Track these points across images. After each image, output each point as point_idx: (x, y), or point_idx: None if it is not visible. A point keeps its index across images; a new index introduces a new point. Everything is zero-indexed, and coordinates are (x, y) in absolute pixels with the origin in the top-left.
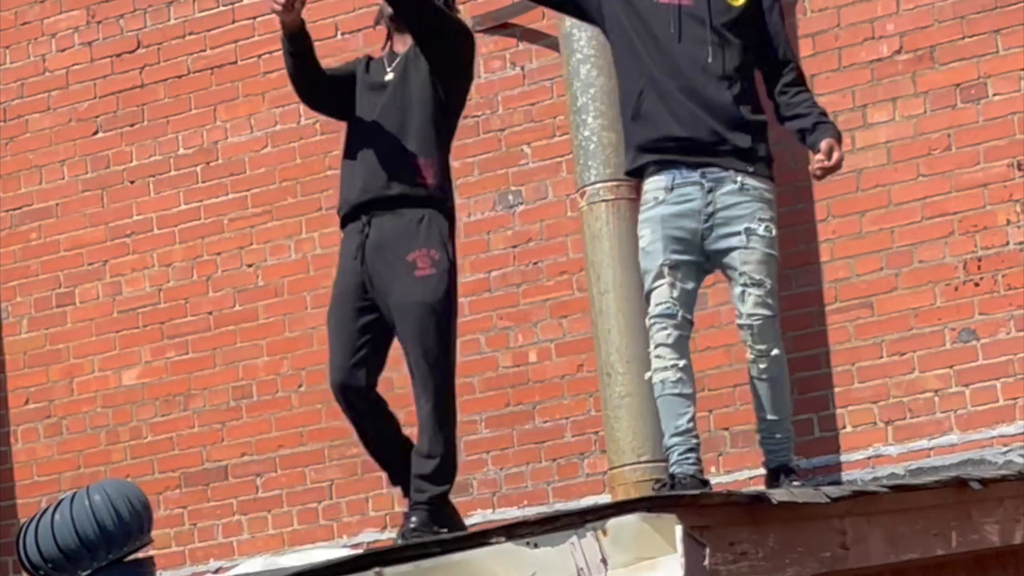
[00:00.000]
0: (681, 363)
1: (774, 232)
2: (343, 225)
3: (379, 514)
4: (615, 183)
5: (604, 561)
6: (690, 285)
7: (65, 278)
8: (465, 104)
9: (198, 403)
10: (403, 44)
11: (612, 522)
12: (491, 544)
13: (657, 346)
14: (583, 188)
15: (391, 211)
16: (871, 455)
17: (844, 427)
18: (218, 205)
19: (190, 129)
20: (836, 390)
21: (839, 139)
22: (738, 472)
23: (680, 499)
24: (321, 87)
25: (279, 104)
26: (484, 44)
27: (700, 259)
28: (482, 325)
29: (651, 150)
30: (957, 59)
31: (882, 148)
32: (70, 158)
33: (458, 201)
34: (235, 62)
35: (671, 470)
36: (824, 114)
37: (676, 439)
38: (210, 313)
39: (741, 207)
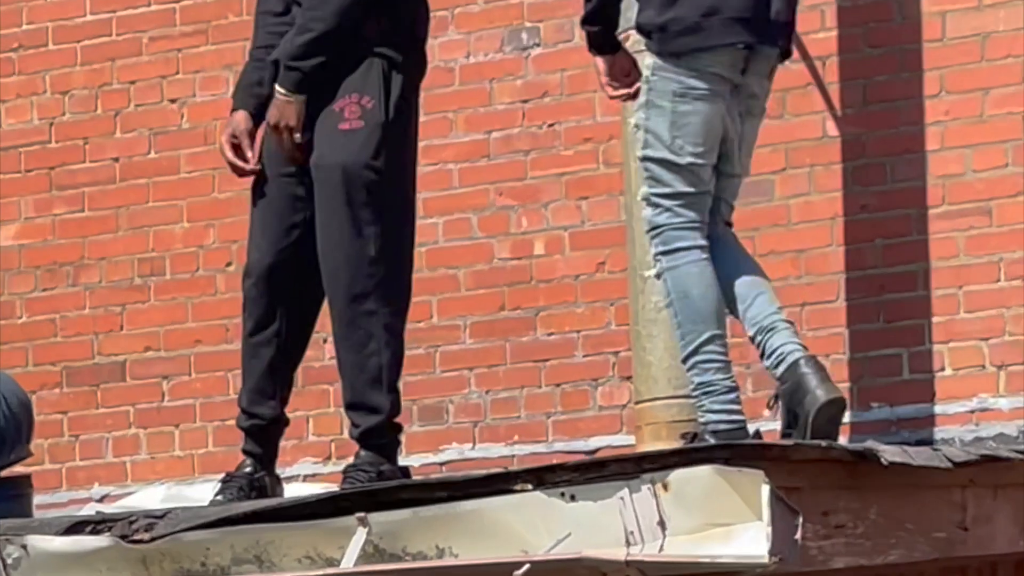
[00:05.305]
0: None
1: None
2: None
3: (322, 439)
4: None
5: (662, 524)
6: None
7: None
8: None
9: (92, 277)
10: None
11: (677, 475)
12: (514, 492)
13: None
14: (627, 31)
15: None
16: (975, 408)
17: (942, 369)
18: (136, 18)
19: None
20: (935, 320)
21: None
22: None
23: (768, 450)
24: None
25: None
26: None
27: None
28: (475, 201)
29: None
30: None
31: (1019, 6)
32: None
33: (455, 37)
34: None
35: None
36: None
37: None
38: (116, 160)
39: None
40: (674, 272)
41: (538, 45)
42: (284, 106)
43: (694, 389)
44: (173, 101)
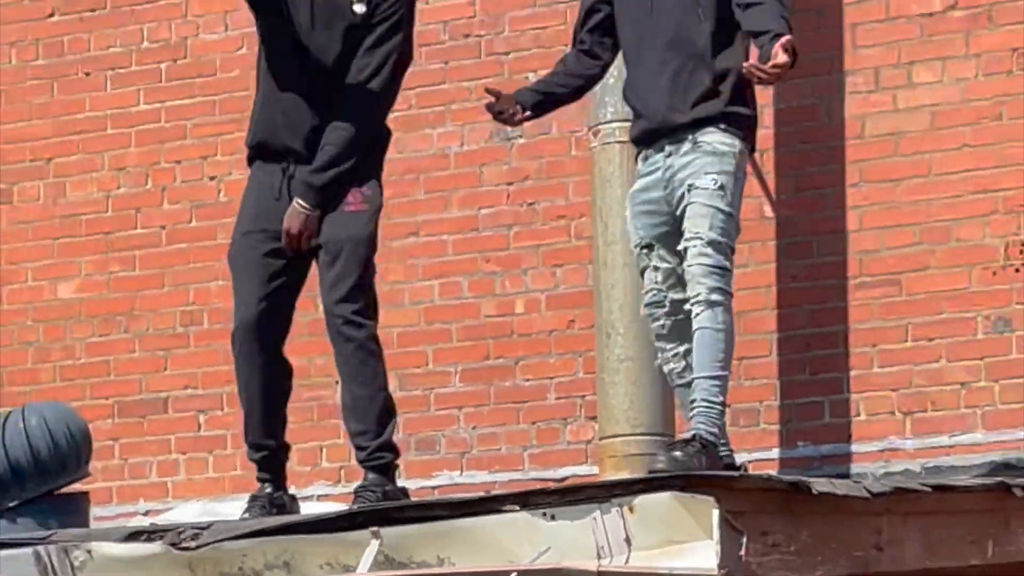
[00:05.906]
0: (682, 350)
1: (720, 184)
2: (255, 160)
3: (333, 465)
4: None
5: (628, 541)
6: (674, 260)
7: (4, 174)
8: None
9: (141, 325)
10: None
11: (641, 499)
12: (503, 512)
13: (656, 337)
14: (596, 126)
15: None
16: (885, 447)
17: (858, 414)
18: (182, 108)
19: (157, 21)
20: (852, 373)
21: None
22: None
23: (716, 480)
24: None
25: None
26: None
27: (678, 227)
28: (466, 267)
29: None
30: (1016, 21)
31: (926, 112)
32: (20, 41)
33: (451, 128)
34: None
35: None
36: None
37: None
38: (163, 227)
39: (691, 165)
40: (729, 312)
41: (521, 137)
42: (306, 219)
43: (717, 405)
44: (212, 179)
